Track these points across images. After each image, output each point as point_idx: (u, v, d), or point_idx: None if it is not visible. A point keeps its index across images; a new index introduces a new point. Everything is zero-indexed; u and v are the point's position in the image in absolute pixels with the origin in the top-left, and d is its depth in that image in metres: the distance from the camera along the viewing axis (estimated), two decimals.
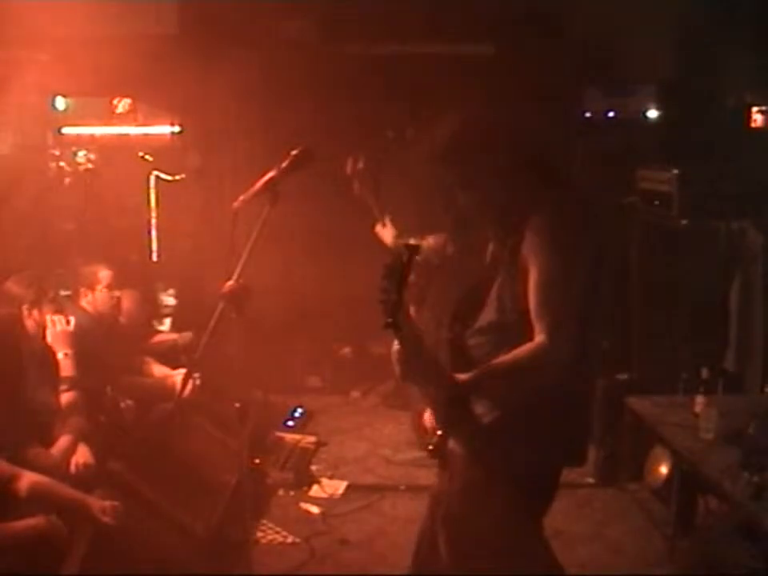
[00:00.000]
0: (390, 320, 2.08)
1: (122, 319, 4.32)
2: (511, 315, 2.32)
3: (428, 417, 2.50)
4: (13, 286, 3.60)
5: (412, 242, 4.55)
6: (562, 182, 2.43)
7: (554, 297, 2.25)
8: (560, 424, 2.35)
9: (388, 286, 2.08)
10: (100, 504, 2.99)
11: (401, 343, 2.24)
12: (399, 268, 2.10)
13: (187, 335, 4.79)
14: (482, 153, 2.36)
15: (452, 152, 2.40)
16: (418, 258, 4.53)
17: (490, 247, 2.51)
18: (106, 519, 2.95)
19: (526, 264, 2.27)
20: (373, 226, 4.84)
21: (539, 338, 2.25)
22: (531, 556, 2.52)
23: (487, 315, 2.41)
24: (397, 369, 2.32)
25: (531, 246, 2.26)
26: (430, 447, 2.38)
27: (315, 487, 4.46)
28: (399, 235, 4.68)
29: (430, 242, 4.63)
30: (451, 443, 2.39)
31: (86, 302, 4.13)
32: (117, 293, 4.21)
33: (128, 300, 4.36)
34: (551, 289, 2.24)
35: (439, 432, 2.36)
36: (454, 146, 2.40)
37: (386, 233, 4.73)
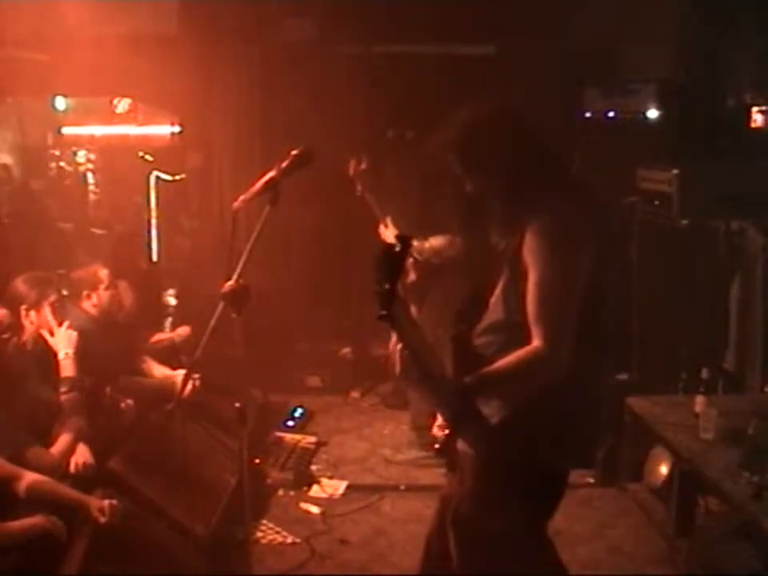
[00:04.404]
0: (383, 312, 2.07)
1: (122, 315, 4.32)
2: (517, 315, 2.30)
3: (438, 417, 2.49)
4: (20, 285, 3.61)
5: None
6: (566, 184, 2.40)
7: (551, 302, 2.23)
8: (569, 425, 2.34)
9: (380, 278, 2.07)
10: (98, 503, 2.99)
11: (400, 339, 2.22)
12: (390, 259, 2.08)
13: (184, 330, 4.79)
14: (494, 146, 2.35)
15: (465, 143, 2.37)
16: (419, 257, 4.54)
17: (495, 246, 2.50)
18: (103, 519, 2.95)
19: (527, 265, 2.26)
20: (376, 228, 4.84)
21: (536, 342, 2.23)
22: (538, 556, 2.52)
23: (494, 314, 2.40)
24: (396, 367, 2.30)
25: (530, 248, 2.25)
26: (436, 446, 2.37)
27: (315, 487, 4.46)
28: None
29: (432, 243, 4.62)
30: (461, 444, 2.39)
31: (90, 304, 4.12)
32: (117, 290, 4.22)
33: (124, 294, 4.36)
34: (548, 293, 2.22)
35: (446, 431, 2.35)
36: (467, 136, 2.37)
37: (389, 234, 4.73)
